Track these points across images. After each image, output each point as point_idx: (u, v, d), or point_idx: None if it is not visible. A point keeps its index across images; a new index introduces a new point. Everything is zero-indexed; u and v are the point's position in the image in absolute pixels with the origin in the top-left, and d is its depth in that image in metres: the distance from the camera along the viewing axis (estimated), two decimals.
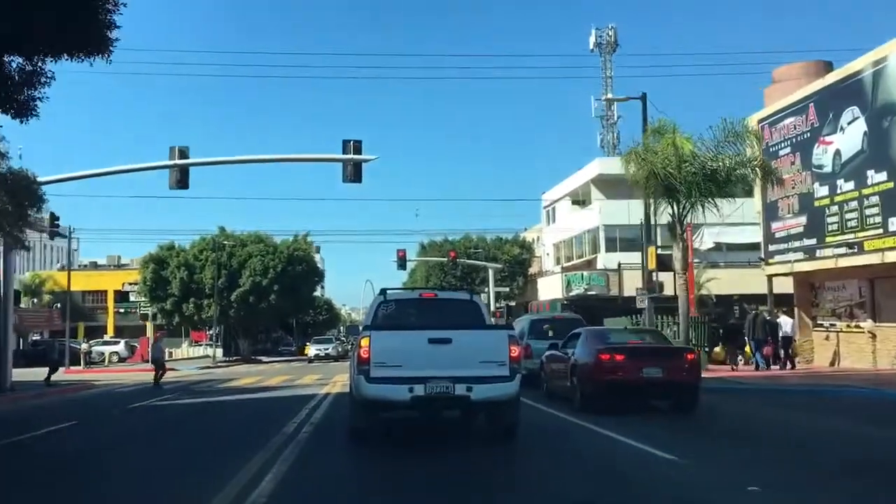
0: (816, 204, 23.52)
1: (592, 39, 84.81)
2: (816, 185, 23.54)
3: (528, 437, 10.42)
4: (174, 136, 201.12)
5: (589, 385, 13.14)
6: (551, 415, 13.50)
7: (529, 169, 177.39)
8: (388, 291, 11.53)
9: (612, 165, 52.71)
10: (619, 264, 46.80)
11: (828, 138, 22.91)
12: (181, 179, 22.81)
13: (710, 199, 19.65)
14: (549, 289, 52.27)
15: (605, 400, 12.93)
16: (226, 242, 53.49)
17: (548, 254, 62.92)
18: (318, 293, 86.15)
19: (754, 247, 47.29)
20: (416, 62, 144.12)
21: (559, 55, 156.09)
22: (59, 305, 55.45)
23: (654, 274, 22.48)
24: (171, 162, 22.70)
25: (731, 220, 28.11)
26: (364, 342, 9.46)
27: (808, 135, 23.95)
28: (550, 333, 19.03)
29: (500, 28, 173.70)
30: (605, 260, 49.66)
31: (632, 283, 45.01)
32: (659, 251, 21.80)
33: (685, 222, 20.01)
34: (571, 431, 11.57)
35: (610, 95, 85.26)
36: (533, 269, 60.81)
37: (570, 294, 47.54)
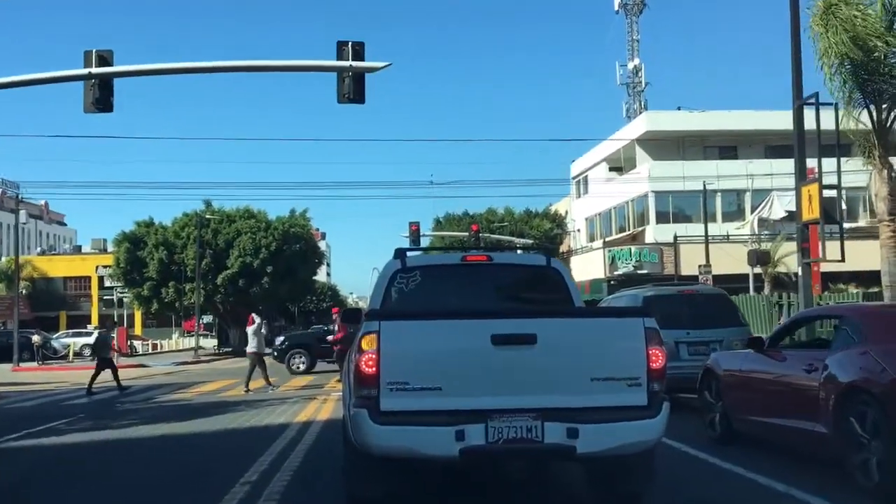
0: None
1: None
2: None
3: None
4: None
5: None
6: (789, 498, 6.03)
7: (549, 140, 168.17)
8: (408, 254, 7.08)
9: (665, 120, 45.64)
10: (676, 237, 39.55)
11: None
12: (101, 98, 15.54)
13: None
14: (587, 268, 45.05)
15: None
16: (211, 217, 46.00)
17: (578, 230, 55.64)
18: (321, 278, 78.81)
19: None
20: None
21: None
22: (22, 292, 48.28)
23: (805, 229, 14.78)
24: (86, 71, 15.39)
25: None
26: (367, 343, 4.71)
27: None
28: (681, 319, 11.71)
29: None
30: (656, 233, 42.28)
31: (691, 260, 38.01)
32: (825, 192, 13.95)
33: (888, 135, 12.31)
34: None
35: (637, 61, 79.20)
36: (563, 248, 53.55)
37: (616, 273, 40.53)
